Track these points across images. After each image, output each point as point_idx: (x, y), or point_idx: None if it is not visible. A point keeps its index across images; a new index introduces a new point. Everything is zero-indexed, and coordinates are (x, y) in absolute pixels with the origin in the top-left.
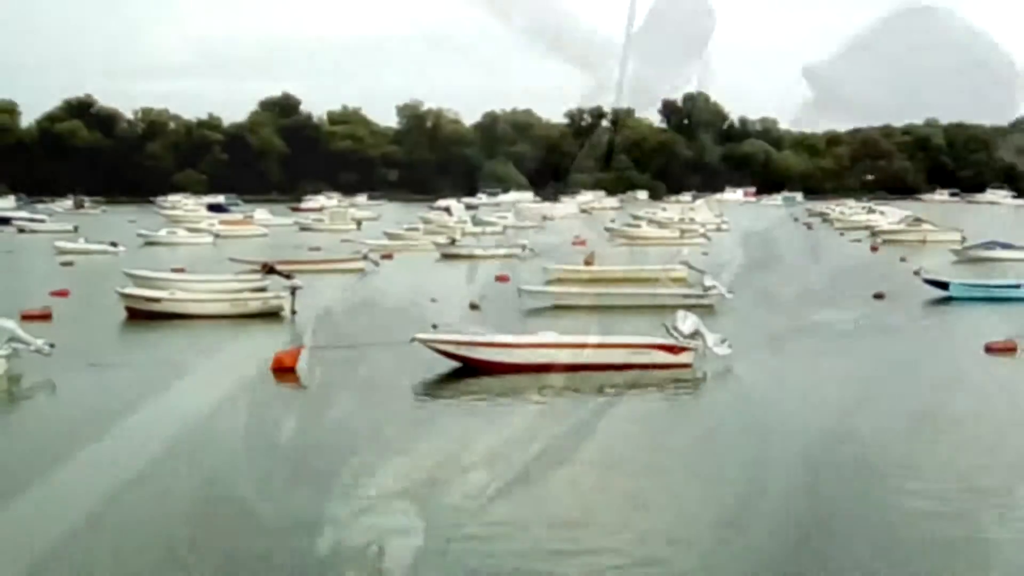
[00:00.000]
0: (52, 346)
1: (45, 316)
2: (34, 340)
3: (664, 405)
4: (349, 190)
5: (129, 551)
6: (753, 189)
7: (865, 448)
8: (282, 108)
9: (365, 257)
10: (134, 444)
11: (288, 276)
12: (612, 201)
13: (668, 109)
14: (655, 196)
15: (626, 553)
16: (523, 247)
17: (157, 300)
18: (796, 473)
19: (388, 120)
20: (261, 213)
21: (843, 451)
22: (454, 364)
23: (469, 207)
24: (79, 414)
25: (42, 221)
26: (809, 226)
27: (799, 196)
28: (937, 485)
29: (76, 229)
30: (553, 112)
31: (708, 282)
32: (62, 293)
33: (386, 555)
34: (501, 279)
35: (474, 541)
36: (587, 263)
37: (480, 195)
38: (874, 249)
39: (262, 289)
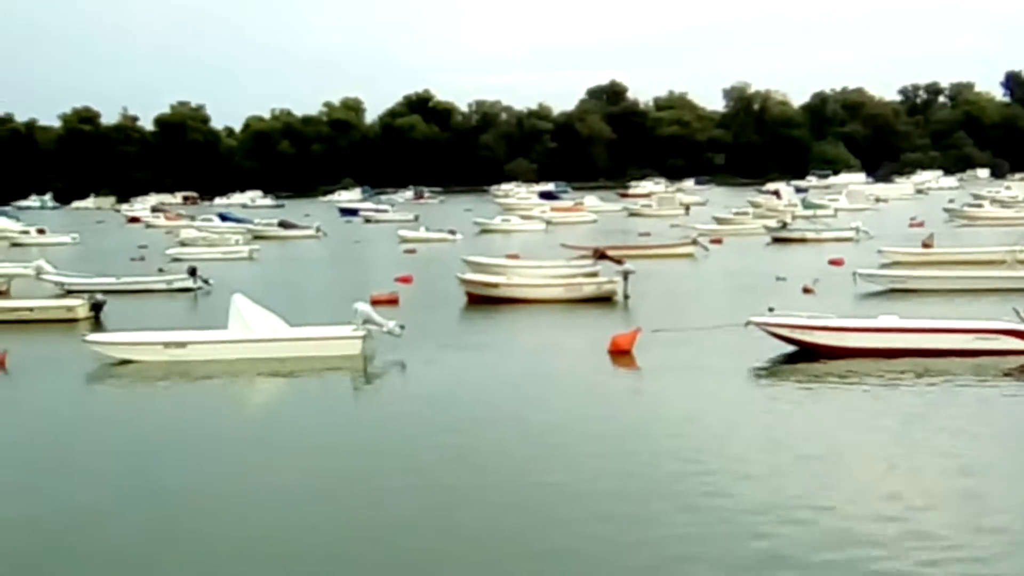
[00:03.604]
0: (402, 327)
1: (392, 301)
2: (386, 322)
3: (1014, 394)
4: (676, 175)
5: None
6: None
7: None
8: (609, 95)
9: (695, 242)
10: (488, 420)
11: (619, 261)
12: (950, 180)
13: (1011, 81)
14: (998, 174)
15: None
16: (856, 230)
17: (495, 285)
18: None
19: (715, 104)
20: (590, 199)
21: None
22: (789, 348)
23: (798, 190)
24: (432, 392)
25: (386, 211)
26: None
27: None
28: None
29: (417, 218)
30: (886, 89)
31: None
32: (406, 279)
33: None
34: (834, 263)
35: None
36: (926, 245)
37: (810, 177)
38: None
39: (594, 274)
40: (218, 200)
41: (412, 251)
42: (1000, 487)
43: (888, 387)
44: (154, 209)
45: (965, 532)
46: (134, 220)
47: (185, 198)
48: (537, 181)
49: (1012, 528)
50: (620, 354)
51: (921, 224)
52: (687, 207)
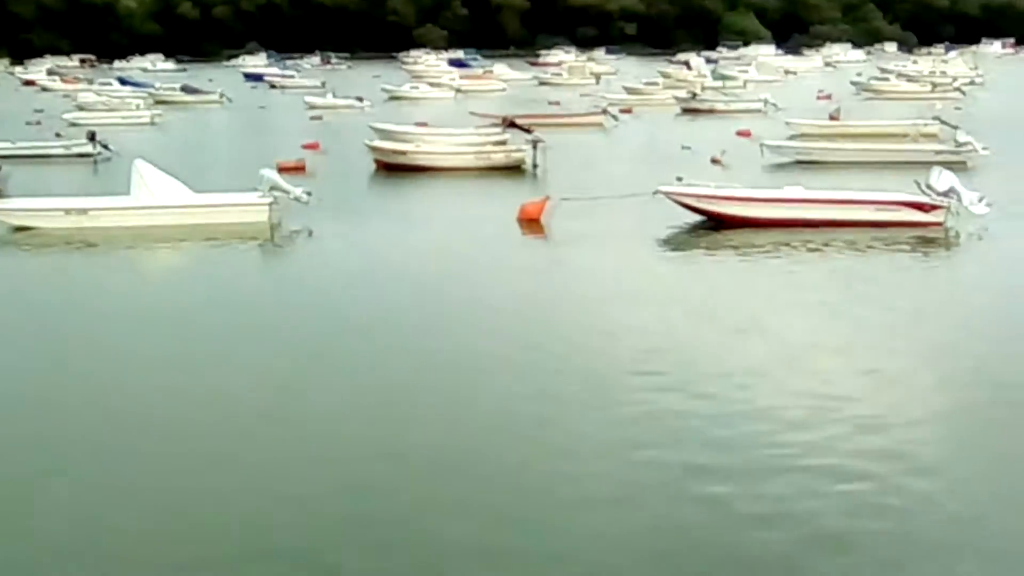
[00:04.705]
0: (310, 194)
1: (299, 168)
2: (293, 189)
3: (913, 264)
4: (587, 44)
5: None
6: (1012, 40)
7: None
8: None
9: (605, 111)
10: (396, 290)
11: (528, 130)
12: (858, 54)
13: None
14: (905, 48)
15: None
16: (765, 102)
17: (404, 153)
18: None
19: None
20: (500, 68)
21: None
22: (697, 217)
23: (709, 61)
24: (340, 260)
25: (292, 77)
26: None
27: None
28: None
29: (324, 85)
30: None
31: (962, 138)
32: (313, 146)
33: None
34: (742, 134)
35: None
36: (832, 118)
37: (720, 48)
38: None
39: (503, 142)
40: (117, 63)
41: (319, 118)
42: (906, 359)
43: (793, 257)
44: (50, 72)
45: (883, 400)
46: (29, 83)
47: (82, 61)
48: (447, 48)
49: (927, 397)
50: (529, 222)
51: (828, 97)
52: (597, 77)
